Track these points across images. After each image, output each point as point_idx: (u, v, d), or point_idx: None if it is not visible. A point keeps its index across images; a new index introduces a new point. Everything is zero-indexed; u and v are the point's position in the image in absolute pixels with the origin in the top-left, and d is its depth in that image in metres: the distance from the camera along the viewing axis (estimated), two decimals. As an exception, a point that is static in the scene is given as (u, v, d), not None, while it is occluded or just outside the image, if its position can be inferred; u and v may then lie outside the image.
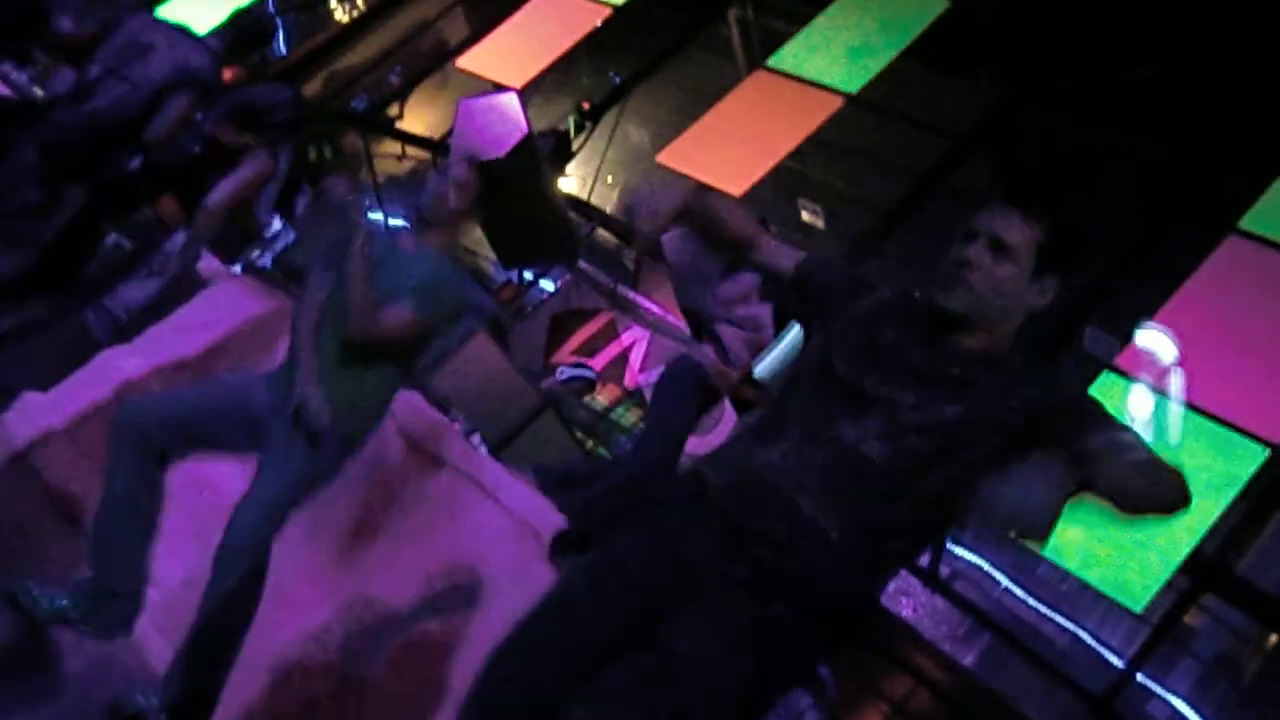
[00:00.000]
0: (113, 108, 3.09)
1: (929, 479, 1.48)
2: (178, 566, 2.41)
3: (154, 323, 2.91)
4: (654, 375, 5.52)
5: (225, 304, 2.81)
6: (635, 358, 5.57)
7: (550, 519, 2.48)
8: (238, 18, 3.73)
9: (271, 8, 8.29)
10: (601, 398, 5.42)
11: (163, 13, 4.28)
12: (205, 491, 2.55)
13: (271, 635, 2.30)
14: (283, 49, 8.62)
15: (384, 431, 2.59)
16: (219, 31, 3.64)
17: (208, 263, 3.24)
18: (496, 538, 2.48)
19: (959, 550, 5.64)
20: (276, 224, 3.99)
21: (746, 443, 1.58)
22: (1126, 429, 1.53)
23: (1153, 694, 5.98)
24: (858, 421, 1.49)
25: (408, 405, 2.61)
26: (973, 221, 1.57)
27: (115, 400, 2.60)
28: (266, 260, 3.83)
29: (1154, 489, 1.47)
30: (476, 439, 3.71)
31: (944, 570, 5.41)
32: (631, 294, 5.69)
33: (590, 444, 4.81)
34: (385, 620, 2.31)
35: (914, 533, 1.56)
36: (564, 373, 4.92)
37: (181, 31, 3.33)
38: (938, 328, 1.56)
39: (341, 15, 8.79)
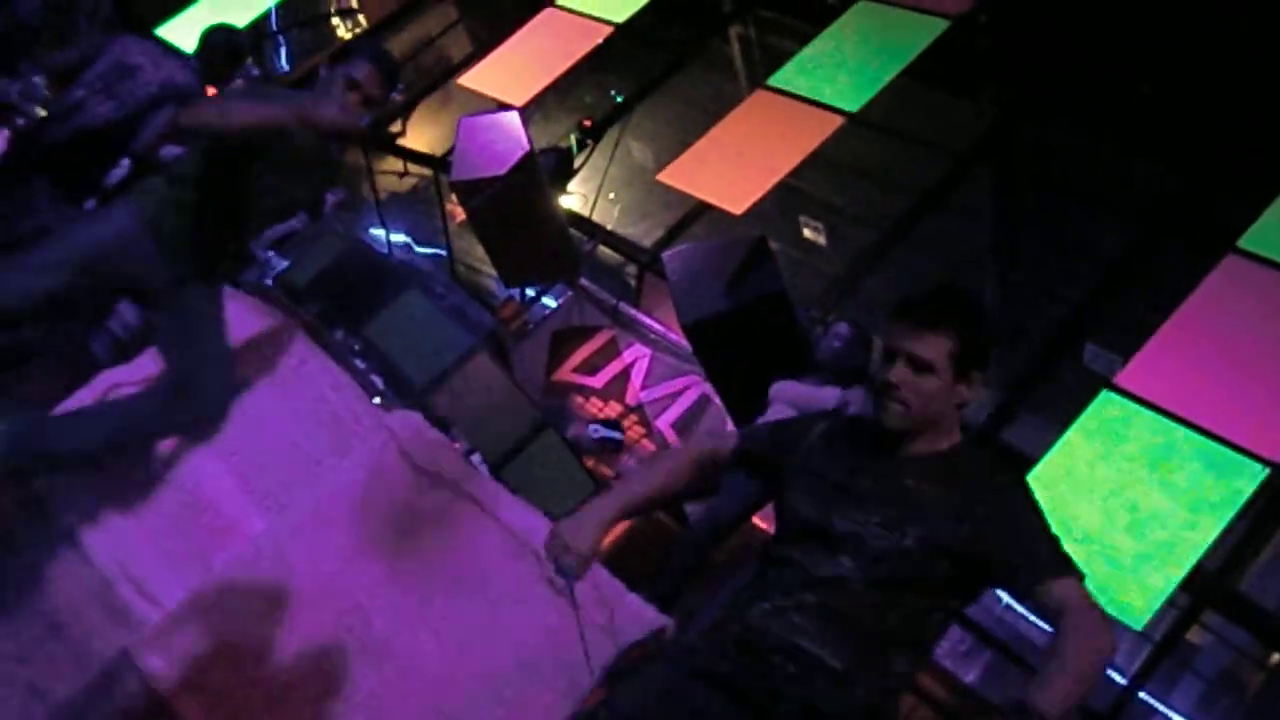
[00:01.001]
0: (102, 124, 3.11)
1: (910, 595, 1.59)
2: (177, 587, 2.41)
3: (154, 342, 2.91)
4: (657, 392, 5.54)
5: (231, 330, 2.82)
6: (637, 375, 5.57)
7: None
8: (209, 36, 3.76)
9: (274, 25, 8.35)
10: (604, 415, 5.43)
11: (161, 33, 4.32)
12: (205, 513, 2.55)
13: (270, 653, 2.30)
14: (285, 65, 8.68)
15: (385, 450, 2.59)
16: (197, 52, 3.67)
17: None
18: (497, 557, 2.48)
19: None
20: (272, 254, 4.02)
21: (735, 606, 1.66)
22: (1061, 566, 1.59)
23: (1155, 711, 5.95)
24: (834, 558, 1.59)
25: (409, 425, 2.61)
26: (889, 339, 1.66)
27: (110, 415, 2.60)
28: (267, 280, 3.85)
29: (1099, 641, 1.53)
30: (476, 458, 3.72)
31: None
32: (633, 311, 5.70)
33: (592, 462, 4.81)
34: (385, 646, 2.31)
35: (909, 644, 1.63)
36: (596, 431, 4.98)
37: (165, 50, 3.36)
38: (886, 443, 1.67)
39: (343, 32, 8.85)
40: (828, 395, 3.59)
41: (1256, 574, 5.69)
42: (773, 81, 5.81)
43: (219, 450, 2.65)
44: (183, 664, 2.26)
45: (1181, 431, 3.68)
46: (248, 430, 2.66)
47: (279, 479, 2.63)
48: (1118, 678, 5.14)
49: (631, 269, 6.06)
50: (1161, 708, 5.93)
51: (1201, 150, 5.08)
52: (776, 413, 3.62)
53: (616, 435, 5.07)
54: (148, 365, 2.70)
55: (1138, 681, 4.31)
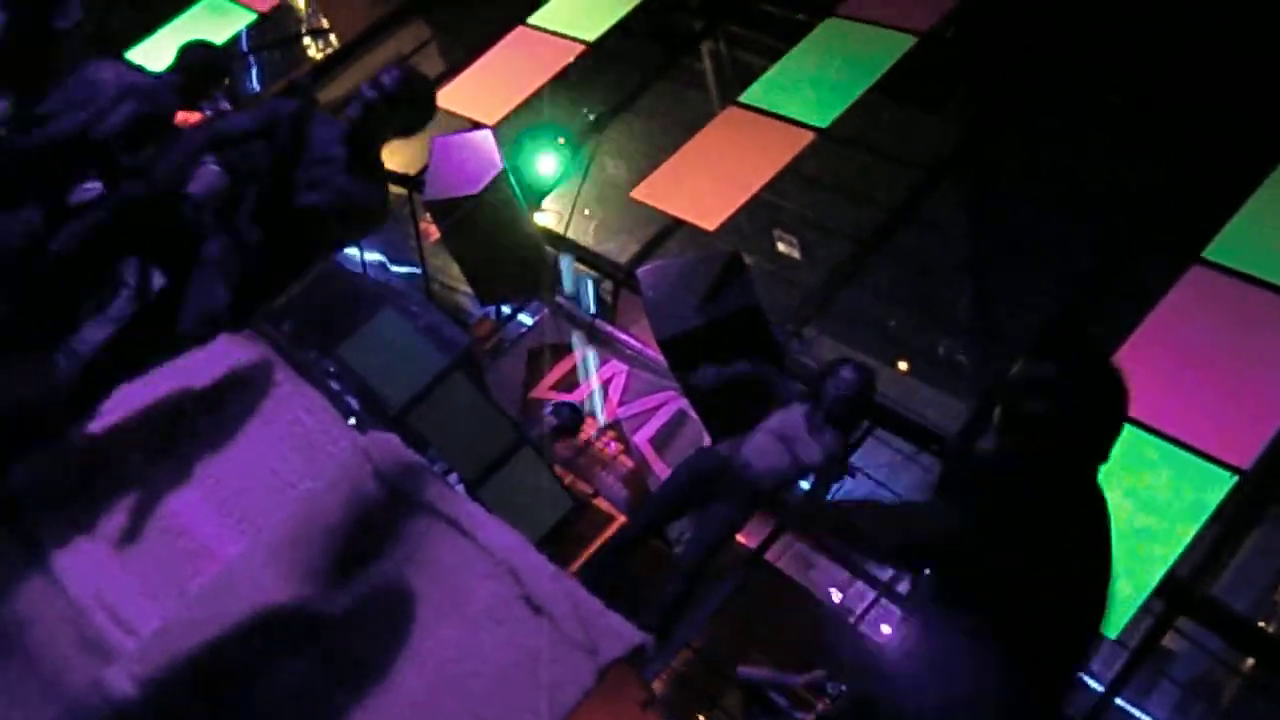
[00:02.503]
0: (68, 129, 3.05)
1: None
2: (153, 614, 2.37)
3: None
4: (634, 408, 5.55)
5: (204, 352, 2.79)
6: (614, 391, 5.58)
7: (530, 558, 2.47)
8: (186, 51, 3.59)
9: (244, 46, 8.32)
10: (581, 432, 5.43)
11: (132, 56, 4.26)
12: (180, 539, 2.52)
13: (249, 682, 2.27)
14: (256, 86, 8.65)
15: (360, 472, 2.58)
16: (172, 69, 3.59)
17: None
18: (474, 577, 2.46)
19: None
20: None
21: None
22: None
23: (1132, 717, 6.00)
24: None
25: (384, 447, 2.60)
26: None
27: (87, 446, 2.57)
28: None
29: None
30: (453, 478, 3.71)
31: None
32: (609, 328, 5.71)
33: (569, 479, 4.81)
34: (359, 661, 2.29)
35: None
36: (551, 411, 4.92)
37: (131, 66, 3.31)
38: None
39: (315, 52, 8.84)
40: (813, 451, 3.64)
41: (1229, 579, 5.77)
42: (744, 98, 5.87)
43: (193, 476, 2.63)
44: (156, 692, 2.23)
45: (1151, 440, 3.74)
46: (222, 455, 2.63)
47: (254, 503, 2.60)
48: (1094, 685, 5.18)
49: (607, 285, 6.08)
50: (1138, 713, 5.98)
51: (1169, 161, 5.18)
52: (758, 443, 3.67)
53: (574, 406, 4.98)
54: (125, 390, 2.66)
55: (1114, 688, 4.34)
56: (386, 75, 2.58)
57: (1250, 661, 5.71)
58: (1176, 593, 4.07)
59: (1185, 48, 5.26)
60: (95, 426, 2.62)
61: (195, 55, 3.60)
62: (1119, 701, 5.06)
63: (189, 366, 2.76)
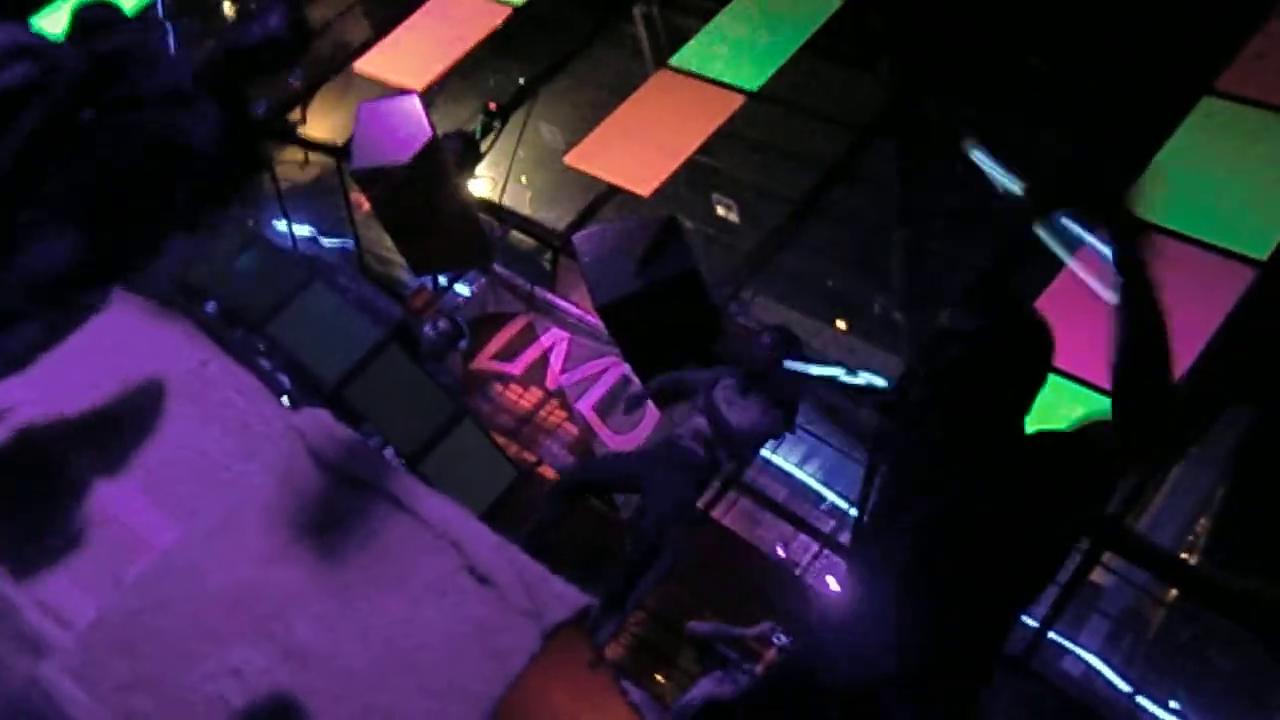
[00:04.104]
0: None
1: None
2: (88, 605, 2.33)
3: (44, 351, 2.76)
4: (576, 375, 5.55)
5: (127, 335, 2.70)
6: (556, 359, 5.58)
7: (471, 528, 2.47)
8: (80, 12, 3.45)
9: (159, 11, 7.99)
10: (524, 401, 5.42)
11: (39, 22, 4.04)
12: (110, 527, 2.47)
13: (191, 668, 2.25)
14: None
15: (294, 452, 2.54)
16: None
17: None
18: (417, 552, 2.46)
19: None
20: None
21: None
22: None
23: (1066, 650, 6.27)
24: None
25: (318, 424, 2.56)
26: None
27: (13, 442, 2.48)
28: (164, 284, 3.68)
29: None
30: (389, 453, 3.68)
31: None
32: (549, 295, 5.69)
33: (514, 449, 4.80)
34: (309, 650, 2.28)
35: None
36: (434, 327, 4.75)
37: (31, 30, 3.13)
38: None
39: (234, 18, 8.54)
40: (745, 417, 3.74)
41: (1152, 516, 6.03)
42: (674, 62, 5.84)
43: (122, 462, 2.56)
44: (98, 686, 2.19)
45: (1066, 384, 3.89)
46: (151, 441, 2.57)
47: (186, 488, 2.55)
48: (1029, 620, 5.39)
49: (547, 254, 6.05)
50: (1072, 646, 6.25)
51: (1087, 116, 5.30)
52: (696, 424, 3.75)
53: (452, 318, 4.87)
54: (45, 384, 2.57)
55: (1047, 623, 4.52)
56: (275, 16, 2.31)
57: (1174, 592, 5.99)
58: (1102, 529, 4.24)
59: (1103, 9, 5.37)
60: (15, 421, 2.53)
61: (91, 15, 3.42)
62: (1052, 635, 5.27)
63: (111, 351, 2.68)
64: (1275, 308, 4.44)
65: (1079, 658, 6.17)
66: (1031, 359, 1.84)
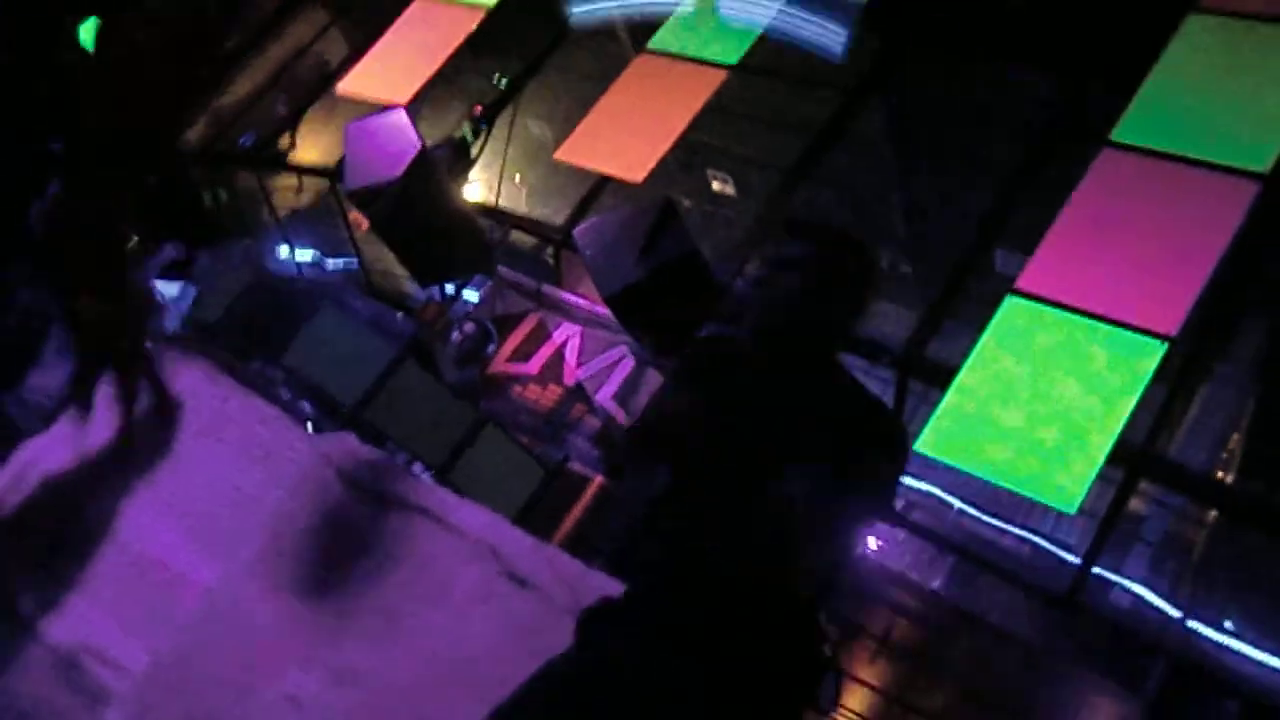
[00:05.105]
0: None
1: None
2: (139, 652, 2.38)
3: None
4: (593, 367, 5.57)
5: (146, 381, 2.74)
6: (571, 354, 5.59)
7: (507, 533, 2.50)
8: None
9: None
10: (544, 399, 5.45)
11: None
12: (154, 570, 2.52)
13: (248, 701, 2.30)
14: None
15: (323, 476, 2.58)
16: None
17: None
18: (456, 563, 2.49)
19: (909, 480, 5.81)
20: (174, 289, 3.86)
21: None
22: None
23: (1112, 583, 6.25)
24: None
25: (343, 447, 2.60)
26: None
27: (42, 495, 2.53)
28: (175, 324, 3.73)
29: None
30: (418, 467, 3.72)
31: (899, 503, 5.57)
32: (557, 291, 5.71)
33: (539, 448, 4.83)
34: (360, 670, 2.32)
35: None
36: (459, 334, 4.78)
37: None
38: None
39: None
40: None
41: (1184, 440, 5.99)
42: (652, 45, 5.81)
43: (157, 505, 2.61)
44: (158, 726, 2.24)
45: (1083, 322, 3.87)
46: (181, 480, 2.62)
47: (222, 523, 2.60)
48: (1071, 558, 5.36)
49: (549, 249, 6.06)
50: (1116, 578, 6.23)
51: (1071, 53, 5.25)
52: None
53: (480, 323, 4.88)
54: (67, 432, 2.62)
55: (1090, 558, 4.50)
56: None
57: (1213, 513, 5.96)
58: (1133, 459, 4.23)
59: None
60: (44, 473, 2.58)
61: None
62: (1098, 570, 5.25)
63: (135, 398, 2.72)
64: (1283, 217, 4.39)
65: (1126, 589, 6.15)
66: (860, 279, 1.89)
